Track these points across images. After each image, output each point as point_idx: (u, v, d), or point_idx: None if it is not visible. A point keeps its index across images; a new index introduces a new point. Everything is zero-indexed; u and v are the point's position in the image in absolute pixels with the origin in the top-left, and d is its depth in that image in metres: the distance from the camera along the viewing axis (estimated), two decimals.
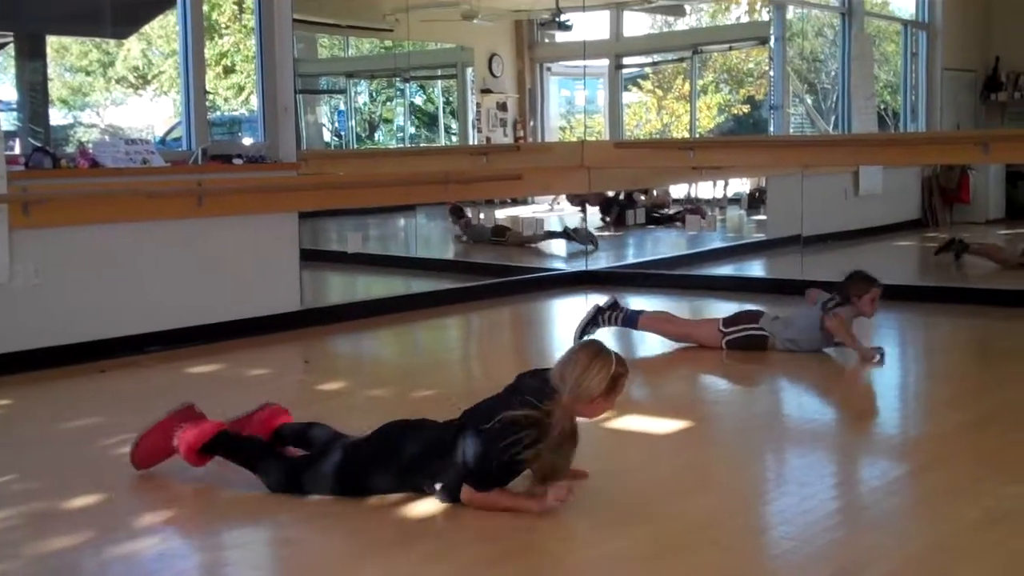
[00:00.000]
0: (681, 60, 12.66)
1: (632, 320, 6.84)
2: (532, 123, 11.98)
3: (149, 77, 12.36)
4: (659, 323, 6.90)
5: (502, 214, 11.23)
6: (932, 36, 13.50)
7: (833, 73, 12.69)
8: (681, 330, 6.83)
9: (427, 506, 3.86)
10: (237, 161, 7.31)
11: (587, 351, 3.88)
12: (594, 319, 6.90)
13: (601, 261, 10.36)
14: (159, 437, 4.28)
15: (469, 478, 3.80)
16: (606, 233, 11.39)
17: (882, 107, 13.27)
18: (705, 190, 11.36)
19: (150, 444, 4.29)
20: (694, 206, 11.24)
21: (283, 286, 7.53)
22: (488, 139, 11.42)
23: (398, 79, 11.12)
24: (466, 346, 8.06)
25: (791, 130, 11.64)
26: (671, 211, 11.54)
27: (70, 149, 7.65)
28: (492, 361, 7.33)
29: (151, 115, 12.19)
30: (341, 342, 7.56)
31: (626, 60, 12.53)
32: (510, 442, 3.71)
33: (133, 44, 11.87)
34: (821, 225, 9.91)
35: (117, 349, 6.61)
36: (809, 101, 12.57)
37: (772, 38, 11.44)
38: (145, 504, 4.01)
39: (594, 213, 11.32)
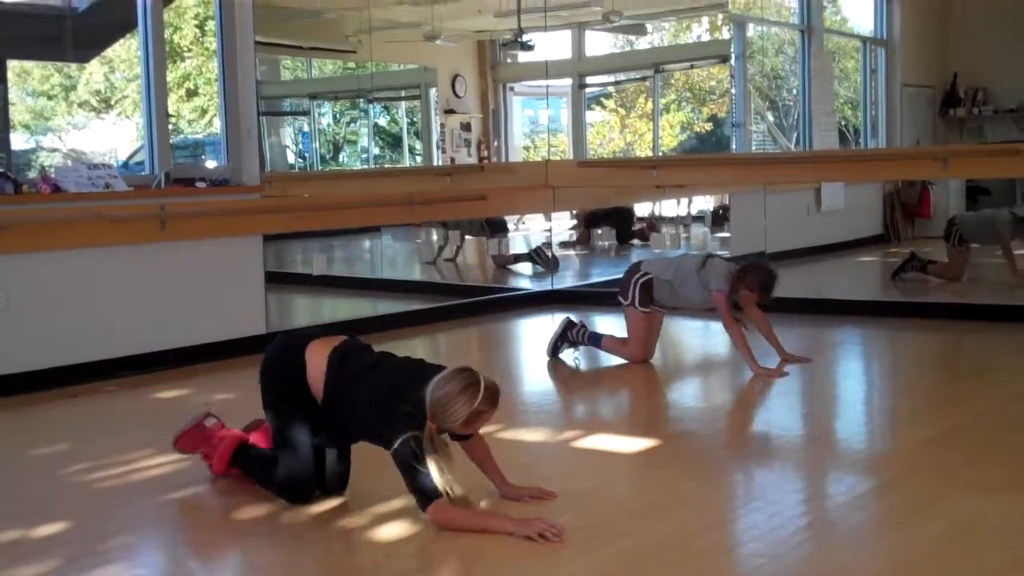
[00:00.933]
0: (643, 79, 12.74)
1: (596, 340, 6.88)
2: (496, 143, 12.01)
3: (112, 101, 12.30)
4: (618, 345, 6.93)
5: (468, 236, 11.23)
6: (891, 52, 13.65)
7: (794, 90, 12.80)
8: (634, 347, 6.85)
9: (399, 528, 3.85)
10: (200, 184, 7.29)
11: (459, 380, 3.90)
12: (563, 335, 6.94)
13: (567, 280, 10.38)
14: (195, 437, 4.49)
15: (419, 493, 3.80)
16: (570, 253, 11.45)
17: (843, 123, 13.40)
18: (669, 208, 11.42)
19: (189, 442, 4.50)
20: (648, 223, 11.38)
21: (248, 309, 7.50)
22: (452, 159, 11.44)
23: (362, 100, 11.13)
24: None
25: (753, 147, 11.73)
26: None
27: (32, 174, 7.61)
28: None
29: (114, 139, 12.12)
30: None
31: (589, 79, 12.60)
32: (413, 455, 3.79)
33: (95, 68, 11.81)
34: (784, 241, 10.00)
35: (85, 375, 6.57)
36: (771, 118, 12.68)
37: (733, 56, 11.53)
38: (113, 531, 3.97)
39: (560, 232, 11.37)
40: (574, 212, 11.63)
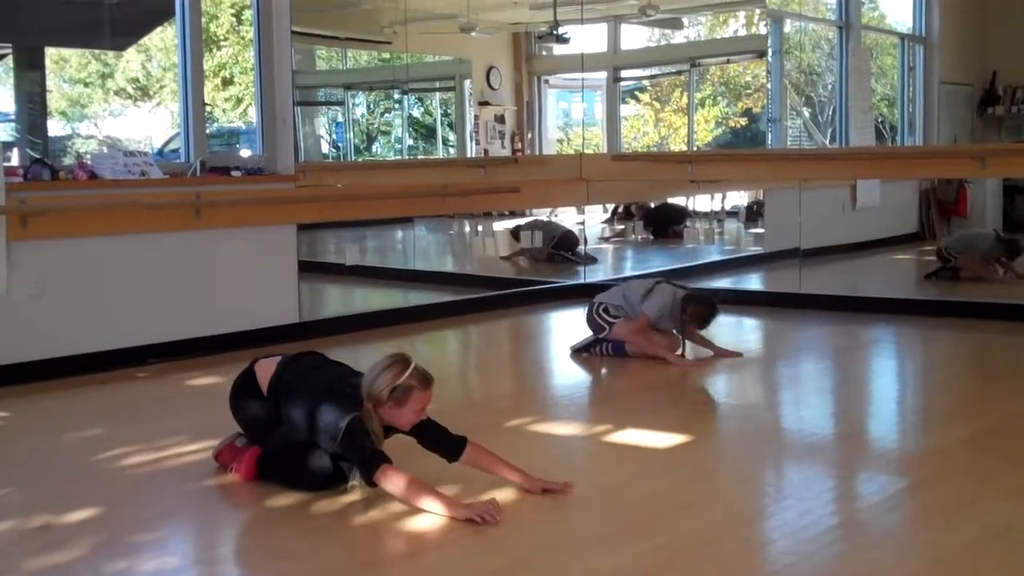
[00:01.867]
0: (679, 73, 12.68)
1: (620, 348, 6.98)
2: (530, 135, 11.98)
3: (148, 89, 12.37)
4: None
5: (499, 226, 11.23)
6: (929, 50, 13.52)
7: (830, 86, 12.71)
8: (650, 346, 6.92)
9: (427, 520, 3.85)
10: (235, 173, 7.31)
11: (387, 358, 4.13)
12: (587, 347, 7.06)
13: (599, 274, 10.36)
14: (227, 454, 4.51)
15: (365, 465, 3.97)
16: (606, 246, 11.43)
17: (879, 120, 13.30)
18: (703, 203, 11.37)
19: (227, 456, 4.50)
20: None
21: (281, 298, 7.53)
22: (486, 151, 11.42)
23: (396, 91, 11.12)
24: (464, 359, 8.05)
25: (788, 143, 11.66)
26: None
27: (68, 161, 7.66)
28: (490, 374, 7.33)
29: (149, 127, 12.19)
30: (339, 354, 7.43)
31: (624, 73, 12.54)
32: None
33: (132, 56, 11.88)
34: (819, 238, 9.92)
35: (116, 361, 6.61)
36: (806, 114, 12.59)
37: (770, 51, 11.46)
38: (142, 518, 3.99)
39: (594, 225, 11.35)
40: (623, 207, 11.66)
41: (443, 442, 4.18)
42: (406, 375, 4.03)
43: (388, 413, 4.07)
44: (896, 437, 5.31)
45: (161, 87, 12.26)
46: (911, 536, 3.81)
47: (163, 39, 11.19)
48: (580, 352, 7.10)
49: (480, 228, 10.87)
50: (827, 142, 12.36)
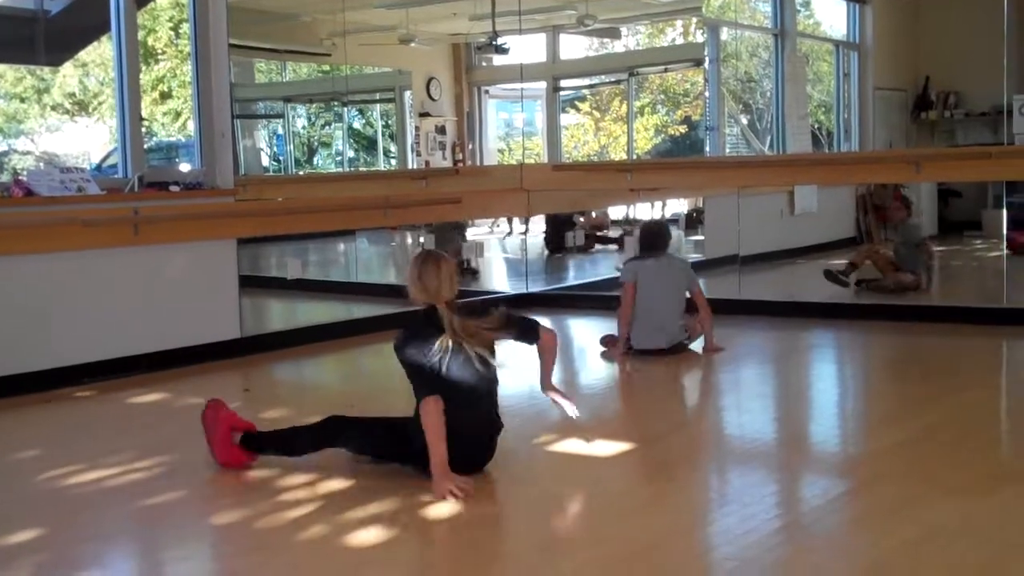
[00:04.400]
0: (618, 82, 12.76)
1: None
2: (471, 146, 12.02)
3: (85, 104, 12.25)
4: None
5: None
6: (863, 56, 13.70)
7: (768, 93, 12.85)
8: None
9: (371, 535, 3.85)
10: (174, 188, 7.26)
11: (418, 259, 4.57)
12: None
13: (540, 283, 10.39)
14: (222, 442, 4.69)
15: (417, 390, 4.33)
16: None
17: (816, 126, 13.45)
18: (643, 211, 11.44)
19: (223, 453, 4.67)
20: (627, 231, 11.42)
21: (222, 314, 7.48)
22: (427, 163, 11.43)
23: (336, 103, 11.11)
24: None
25: (727, 150, 11.76)
26: (611, 233, 11.64)
27: (4, 178, 7.57)
28: None
29: (87, 142, 12.08)
30: (282, 369, 7.52)
31: (563, 82, 12.61)
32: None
33: (69, 70, 11.76)
34: (758, 244, 10.01)
35: (57, 381, 6.53)
36: (744, 121, 12.71)
37: (707, 59, 11.56)
38: (85, 538, 3.96)
39: (536, 235, 11.39)
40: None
41: (525, 330, 4.76)
42: (418, 265, 4.51)
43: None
44: (837, 440, 5.38)
45: (99, 102, 12.15)
46: (852, 538, 3.86)
47: (100, 54, 11.09)
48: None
49: (422, 239, 10.86)
50: (765, 149, 12.48)
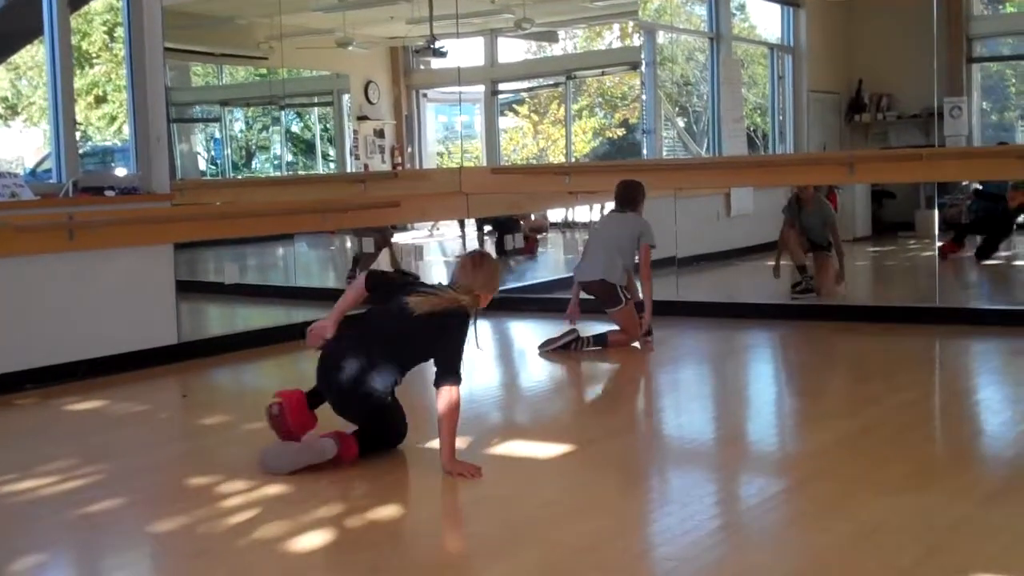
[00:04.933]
0: (556, 85, 12.81)
1: (601, 340, 7.48)
2: (410, 150, 12.00)
3: (18, 108, 12.09)
4: (622, 338, 7.52)
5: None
6: (797, 59, 13.85)
7: (704, 96, 12.95)
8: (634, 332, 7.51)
9: (314, 539, 3.85)
10: (109, 193, 7.21)
11: (470, 261, 4.88)
12: (565, 346, 7.42)
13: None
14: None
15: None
16: None
17: (751, 129, 13.58)
18: (582, 213, 11.50)
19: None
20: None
21: (159, 319, 7.42)
22: (366, 166, 11.41)
23: (274, 107, 11.05)
24: None
25: (664, 153, 11.84)
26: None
27: None
28: None
29: (21, 146, 11.92)
30: (221, 375, 7.47)
31: (502, 86, 12.63)
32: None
33: (1, 73, 11.60)
34: (695, 246, 10.10)
35: None
36: (681, 124, 12.81)
37: (643, 63, 11.63)
38: (18, 549, 3.90)
39: (474, 238, 11.40)
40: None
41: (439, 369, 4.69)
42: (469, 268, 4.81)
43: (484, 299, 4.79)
44: (774, 440, 5.44)
45: (31, 104, 11.99)
46: (789, 536, 3.91)
47: (33, 57, 10.96)
48: (552, 350, 7.40)
49: (362, 243, 10.84)
50: (702, 152, 12.59)
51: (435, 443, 4.70)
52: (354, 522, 4.03)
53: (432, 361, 4.66)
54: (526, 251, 11.72)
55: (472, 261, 4.86)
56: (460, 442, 4.73)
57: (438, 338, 4.64)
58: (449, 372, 4.56)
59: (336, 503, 4.15)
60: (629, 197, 7.74)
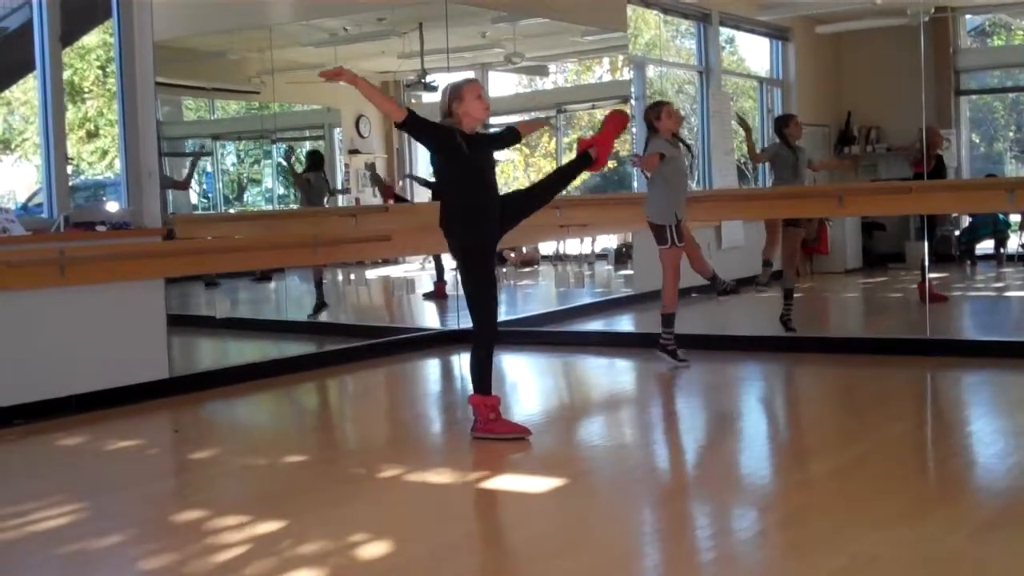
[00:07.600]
0: (546, 118, 12.84)
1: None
2: (401, 183, 12.02)
3: (10, 143, 12.09)
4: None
5: (372, 274, 11.22)
6: (786, 92, 13.92)
7: (694, 130, 13.00)
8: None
9: None
10: (100, 228, 7.20)
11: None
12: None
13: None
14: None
15: None
16: None
17: (741, 162, 13.63)
18: (573, 246, 11.51)
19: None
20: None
21: (150, 354, 7.41)
22: (357, 200, 11.42)
23: (266, 140, 11.07)
24: (340, 409, 8.00)
25: None
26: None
27: None
28: (366, 424, 7.29)
29: (12, 181, 11.91)
30: (213, 409, 7.45)
31: (492, 119, 12.64)
32: None
33: None
34: (687, 279, 10.07)
35: None
36: None
37: (633, 96, 11.68)
38: None
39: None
40: None
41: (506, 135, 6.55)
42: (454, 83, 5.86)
43: (463, 115, 6.06)
44: (767, 472, 5.44)
45: (24, 140, 11.99)
46: (782, 570, 3.90)
47: (25, 91, 10.96)
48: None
49: (352, 277, 10.85)
50: (692, 184, 12.61)
51: (425, 476, 4.68)
52: (342, 560, 4.01)
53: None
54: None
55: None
56: (447, 476, 4.70)
57: None
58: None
59: (324, 540, 4.13)
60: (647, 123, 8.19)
